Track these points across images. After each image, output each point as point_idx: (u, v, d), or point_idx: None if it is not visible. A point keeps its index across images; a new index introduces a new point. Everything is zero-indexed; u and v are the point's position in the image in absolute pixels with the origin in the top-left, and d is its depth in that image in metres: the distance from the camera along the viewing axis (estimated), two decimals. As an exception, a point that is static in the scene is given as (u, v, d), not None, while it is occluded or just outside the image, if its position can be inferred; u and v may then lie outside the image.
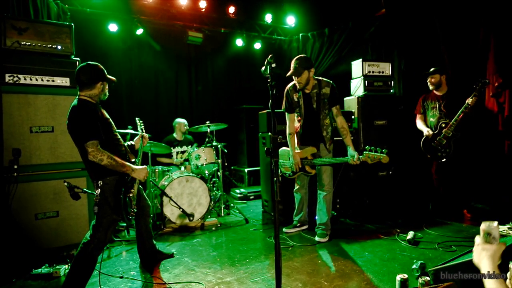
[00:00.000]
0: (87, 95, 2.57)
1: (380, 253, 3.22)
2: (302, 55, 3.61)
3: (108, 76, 2.68)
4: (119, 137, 2.78)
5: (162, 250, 3.32)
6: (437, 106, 4.18)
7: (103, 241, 2.51)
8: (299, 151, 3.71)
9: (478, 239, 1.27)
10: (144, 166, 2.72)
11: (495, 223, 1.24)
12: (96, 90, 2.60)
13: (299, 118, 3.75)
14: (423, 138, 4.24)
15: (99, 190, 2.48)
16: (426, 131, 4.17)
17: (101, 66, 2.65)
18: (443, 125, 4.04)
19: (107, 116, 2.72)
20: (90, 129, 2.42)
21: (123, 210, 2.50)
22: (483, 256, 1.18)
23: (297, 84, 3.59)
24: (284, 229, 4.01)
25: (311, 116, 3.69)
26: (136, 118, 3.34)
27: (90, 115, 2.47)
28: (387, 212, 4.55)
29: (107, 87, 2.70)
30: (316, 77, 3.67)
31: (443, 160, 4.09)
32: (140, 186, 2.95)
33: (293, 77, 3.54)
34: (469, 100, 3.84)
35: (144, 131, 3.18)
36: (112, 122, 2.75)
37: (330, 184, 3.74)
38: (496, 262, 1.15)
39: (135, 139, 3.15)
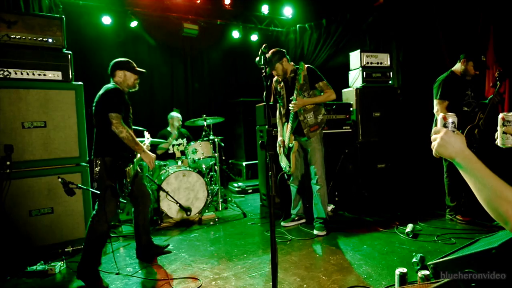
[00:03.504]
0: (114, 82, 3.01)
1: (379, 246, 3.19)
2: (273, 49, 3.71)
3: (130, 66, 3.07)
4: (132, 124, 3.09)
5: (159, 244, 3.33)
6: (470, 94, 3.71)
7: (105, 214, 2.71)
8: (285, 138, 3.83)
9: (438, 129, 1.14)
10: (154, 154, 2.94)
11: (452, 113, 1.16)
12: (117, 78, 3.00)
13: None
14: (468, 128, 3.58)
15: (98, 168, 2.78)
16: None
17: (126, 59, 3.10)
18: (482, 116, 3.60)
19: (129, 102, 3.06)
20: (118, 104, 2.83)
21: (117, 178, 2.81)
22: (457, 139, 1.07)
23: (277, 77, 3.84)
24: (282, 223, 3.98)
25: (280, 103, 3.89)
26: (146, 132, 3.43)
27: (119, 94, 2.89)
28: (386, 205, 4.53)
29: (132, 78, 3.06)
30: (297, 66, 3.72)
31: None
32: (141, 173, 3.21)
33: (272, 72, 3.77)
34: (494, 97, 3.55)
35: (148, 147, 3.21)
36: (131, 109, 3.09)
37: (323, 176, 3.71)
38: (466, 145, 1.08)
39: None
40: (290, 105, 3.59)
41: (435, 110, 3.75)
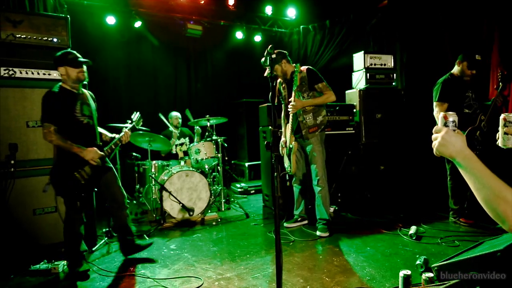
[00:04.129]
0: (61, 80, 2.87)
1: (382, 248, 3.18)
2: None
3: (69, 59, 2.78)
4: (87, 121, 2.91)
5: (140, 243, 3.27)
6: (471, 95, 3.69)
7: (69, 213, 2.82)
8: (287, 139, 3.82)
9: (438, 128, 1.14)
10: (94, 148, 2.82)
11: (452, 112, 1.17)
12: (62, 75, 2.82)
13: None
14: (468, 130, 3.56)
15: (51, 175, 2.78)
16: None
17: (65, 52, 2.82)
18: (483, 118, 3.58)
19: (88, 99, 2.97)
20: (46, 112, 2.72)
21: (63, 186, 2.74)
22: (458, 138, 1.08)
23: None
24: (285, 224, 3.98)
25: (283, 104, 3.90)
26: (136, 112, 3.28)
27: (48, 100, 2.74)
28: (389, 207, 4.51)
29: (75, 72, 2.80)
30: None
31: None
32: (114, 174, 3.08)
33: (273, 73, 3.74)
34: (497, 100, 3.54)
35: (133, 126, 3.17)
36: (86, 107, 2.92)
37: (323, 177, 3.70)
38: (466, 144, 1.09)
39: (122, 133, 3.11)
40: (289, 106, 3.61)
41: (434, 113, 3.75)
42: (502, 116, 1.59)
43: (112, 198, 3.07)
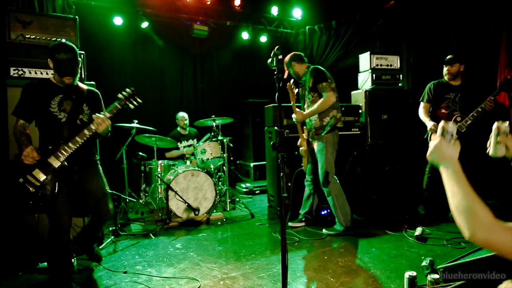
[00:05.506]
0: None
1: (388, 249, 3.18)
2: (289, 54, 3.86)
3: (51, 53, 2.47)
4: (66, 119, 2.54)
5: (98, 254, 3.00)
6: (452, 97, 3.87)
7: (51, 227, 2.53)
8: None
9: (435, 136, 1.26)
10: (31, 146, 2.37)
11: (452, 122, 1.27)
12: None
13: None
14: (431, 132, 3.93)
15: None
16: (431, 125, 3.80)
17: (53, 44, 2.51)
18: (459, 119, 3.75)
19: (82, 96, 2.64)
20: (16, 105, 2.52)
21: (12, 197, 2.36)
22: (447, 149, 1.19)
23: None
24: (289, 224, 3.99)
25: (301, 105, 3.94)
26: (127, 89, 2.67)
27: (23, 94, 2.53)
28: (394, 208, 4.50)
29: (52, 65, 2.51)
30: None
31: None
32: (92, 172, 2.73)
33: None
34: (487, 102, 3.56)
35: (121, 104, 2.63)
36: (70, 103, 2.57)
37: (329, 179, 3.66)
38: (456, 156, 1.20)
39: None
40: (292, 116, 3.77)
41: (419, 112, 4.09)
42: (495, 124, 1.54)
43: (95, 210, 2.74)
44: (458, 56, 3.91)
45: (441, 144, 1.20)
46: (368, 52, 4.81)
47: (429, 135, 3.99)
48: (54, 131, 2.51)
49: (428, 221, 3.89)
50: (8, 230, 3.05)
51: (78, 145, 2.46)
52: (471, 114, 3.63)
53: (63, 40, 2.71)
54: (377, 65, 4.80)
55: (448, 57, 3.93)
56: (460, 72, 3.90)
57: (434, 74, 4.29)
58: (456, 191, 1.10)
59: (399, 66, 4.92)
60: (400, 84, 4.93)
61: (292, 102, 3.71)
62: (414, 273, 2.28)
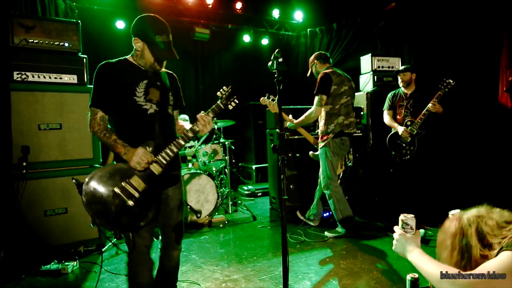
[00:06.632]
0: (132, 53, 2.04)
1: (390, 251, 3.17)
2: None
3: (150, 36, 2.01)
4: (154, 110, 2.00)
5: None
6: (405, 104, 4.06)
7: (130, 256, 1.98)
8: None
9: (397, 229, 1.44)
10: (140, 148, 1.82)
11: (411, 215, 1.42)
12: (135, 48, 2.03)
13: None
14: (390, 135, 4.12)
15: None
16: (402, 129, 3.94)
17: (150, 20, 2.08)
18: (409, 123, 3.93)
19: (164, 80, 2.16)
20: (92, 94, 1.91)
21: (100, 211, 1.71)
22: (407, 241, 1.38)
23: None
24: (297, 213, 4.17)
25: None
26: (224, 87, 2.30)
27: (98, 76, 1.93)
28: (396, 210, 4.47)
29: (149, 52, 2.05)
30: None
31: (407, 157, 3.98)
32: (178, 190, 2.11)
33: None
34: (429, 106, 3.72)
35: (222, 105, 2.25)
36: (156, 90, 2.06)
37: (329, 183, 3.68)
38: (418, 244, 1.39)
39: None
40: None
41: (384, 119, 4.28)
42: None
43: (164, 229, 2.10)
44: (410, 66, 4.16)
45: (403, 238, 1.38)
46: (370, 54, 4.82)
47: (388, 137, 4.17)
48: (142, 127, 1.94)
49: (430, 222, 3.87)
50: (11, 234, 3.07)
51: (178, 149, 1.95)
52: (419, 117, 3.81)
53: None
54: (379, 67, 4.81)
55: (401, 67, 4.22)
56: (412, 80, 4.06)
57: (435, 76, 4.30)
58: (427, 272, 1.27)
59: (400, 68, 4.91)
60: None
61: (278, 112, 3.60)
62: (416, 275, 2.26)
